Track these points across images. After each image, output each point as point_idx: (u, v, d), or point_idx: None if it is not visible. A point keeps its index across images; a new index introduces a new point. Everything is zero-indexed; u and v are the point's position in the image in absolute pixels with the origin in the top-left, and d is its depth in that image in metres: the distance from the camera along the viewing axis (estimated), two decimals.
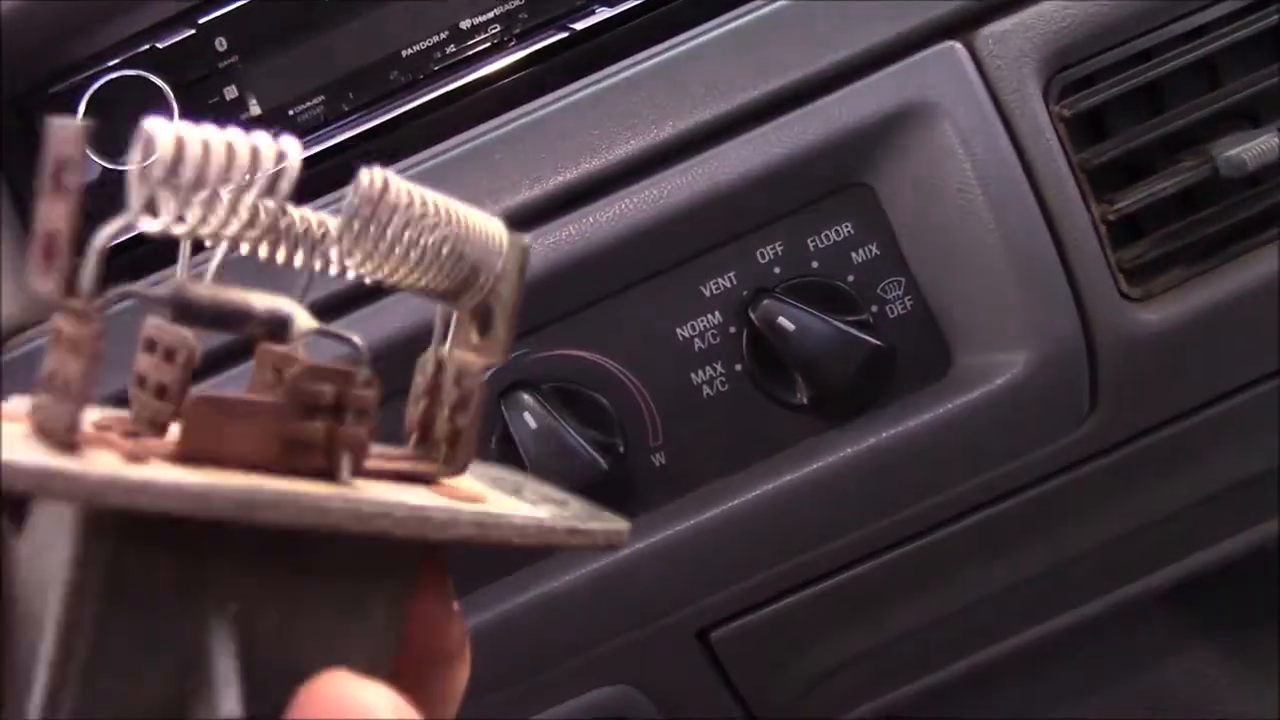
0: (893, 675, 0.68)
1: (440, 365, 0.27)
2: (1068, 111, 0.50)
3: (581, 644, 0.55)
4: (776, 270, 0.52)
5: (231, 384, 0.50)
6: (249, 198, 0.23)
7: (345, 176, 0.52)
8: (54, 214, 0.22)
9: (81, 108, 0.53)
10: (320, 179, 0.54)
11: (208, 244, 0.24)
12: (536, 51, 0.55)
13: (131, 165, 0.22)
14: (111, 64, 0.55)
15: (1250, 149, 0.49)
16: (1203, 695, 0.89)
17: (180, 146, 0.21)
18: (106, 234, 0.22)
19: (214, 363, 0.51)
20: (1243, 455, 0.61)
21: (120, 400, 0.25)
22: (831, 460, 0.52)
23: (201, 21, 0.55)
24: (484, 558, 0.53)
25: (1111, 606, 0.69)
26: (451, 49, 0.55)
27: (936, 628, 0.64)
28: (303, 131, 0.55)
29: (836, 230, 0.52)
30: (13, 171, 0.56)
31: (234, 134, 0.22)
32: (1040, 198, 0.50)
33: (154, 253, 0.55)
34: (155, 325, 0.25)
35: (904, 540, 0.58)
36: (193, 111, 0.54)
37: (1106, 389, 0.53)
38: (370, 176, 0.24)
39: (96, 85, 0.53)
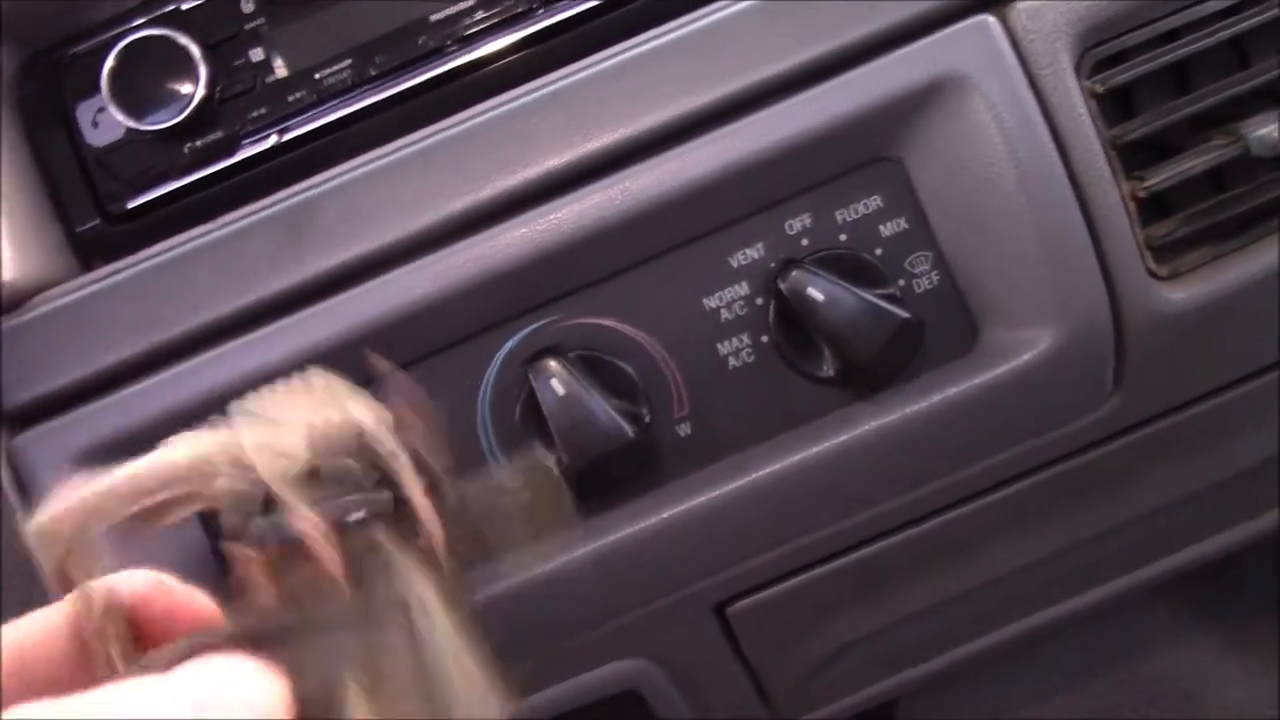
0: (901, 656, 0.68)
1: None
2: (1100, 87, 0.50)
3: (600, 616, 0.55)
4: (804, 242, 0.52)
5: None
6: None
7: (369, 142, 0.52)
8: None
9: (107, 66, 0.53)
10: (343, 144, 0.54)
11: None
12: (566, 18, 0.54)
13: None
14: (136, 23, 0.55)
15: None
16: (1199, 683, 0.90)
17: None
18: None
19: None
20: (1261, 440, 0.61)
21: None
22: (857, 433, 0.51)
23: None
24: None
25: (1119, 592, 0.69)
26: (480, 14, 0.55)
27: (946, 609, 0.64)
28: (329, 95, 0.54)
29: (865, 203, 0.52)
30: (34, 131, 0.55)
31: None
32: (1071, 173, 0.50)
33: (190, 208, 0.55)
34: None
35: (921, 518, 0.58)
36: (219, 72, 0.54)
37: (1131, 367, 0.53)
38: None
39: (121, 45, 0.53)
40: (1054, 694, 0.90)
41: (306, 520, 0.30)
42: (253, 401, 0.31)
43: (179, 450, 0.30)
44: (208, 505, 0.30)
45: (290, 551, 0.30)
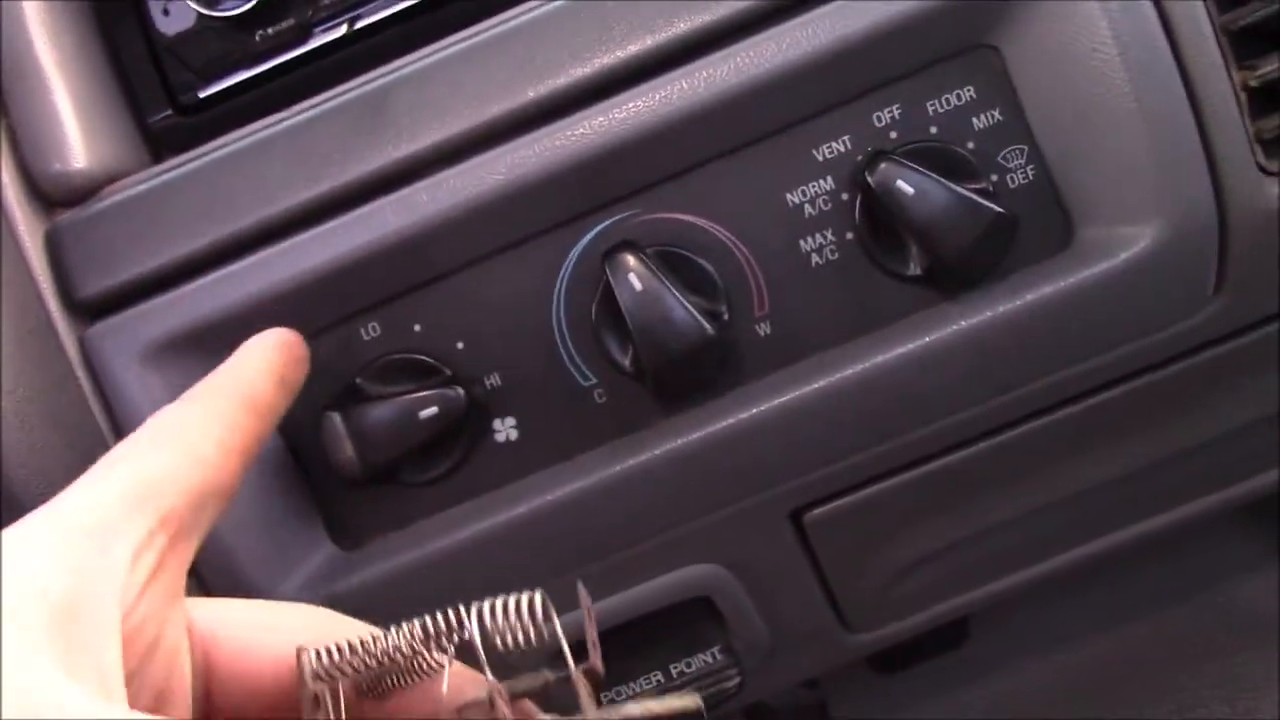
0: (977, 572, 0.66)
1: None
2: None
3: (675, 519, 0.54)
4: (893, 135, 0.50)
5: None
6: None
7: (442, 30, 0.50)
8: None
9: None
10: (416, 32, 0.53)
11: None
12: None
13: None
14: None
15: None
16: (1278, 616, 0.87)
17: None
18: None
19: None
20: None
21: None
22: (944, 334, 0.50)
23: None
24: (578, 429, 0.52)
25: (1202, 513, 0.67)
26: None
27: (1026, 524, 0.63)
28: None
29: (957, 94, 0.50)
30: (105, 19, 0.54)
31: None
32: (1179, 60, 0.47)
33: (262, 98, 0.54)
34: None
35: (1005, 426, 0.56)
36: None
37: (1234, 269, 0.50)
38: None
39: None
40: (1130, 620, 0.89)
41: None
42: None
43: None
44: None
45: None
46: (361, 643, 0.34)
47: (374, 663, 0.34)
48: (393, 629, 0.34)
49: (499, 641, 0.34)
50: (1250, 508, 0.68)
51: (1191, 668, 0.86)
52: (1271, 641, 0.86)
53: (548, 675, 0.35)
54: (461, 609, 0.34)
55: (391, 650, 0.34)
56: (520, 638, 0.34)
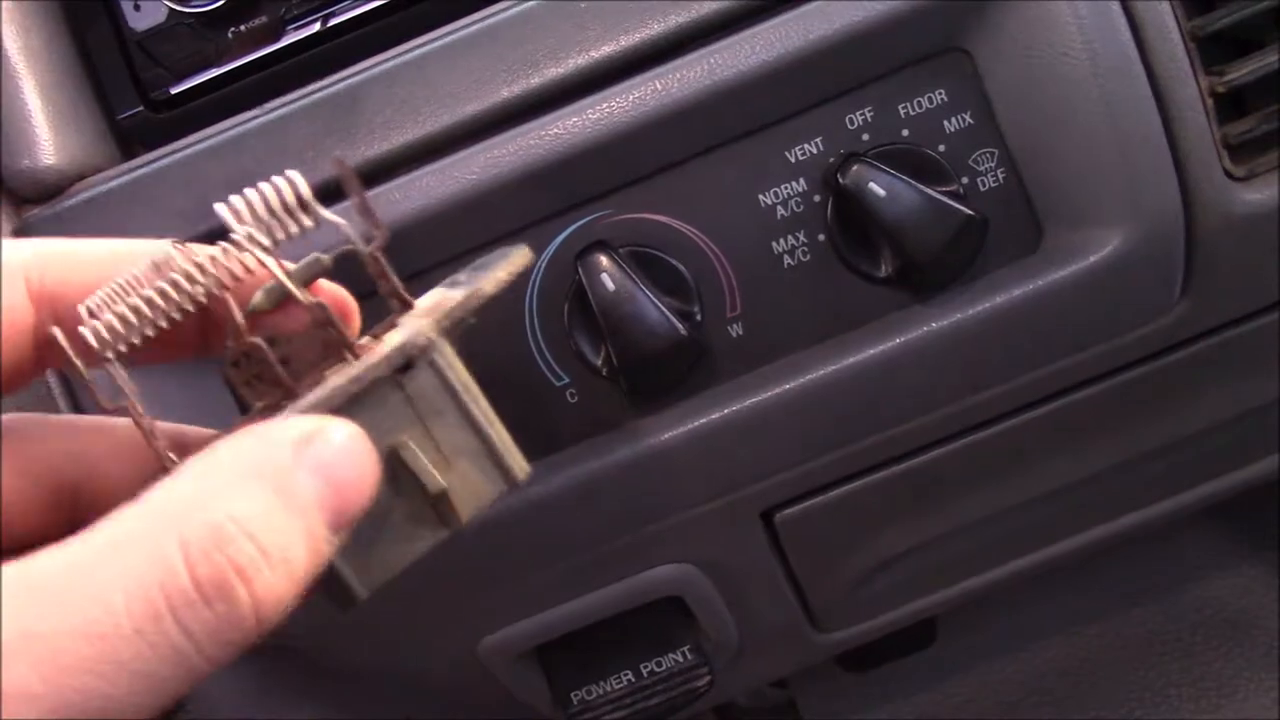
0: (945, 573, 0.67)
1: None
2: None
3: (646, 518, 0.54)
4: (865, 137, 0.50)
5: None
6: None
7: (416, 28, 0.50)
8: None
9: None
10: (389, 30, 0.52)
11: None
12: None
13: None
14: None
15: None
16: (1248, 611, 0.88)
17: None
18: None
19: None
20: None
21: None
22: (913, 336, 0.50)
23: None
24: (550, 429, 0.52)
25: (1168, 513, 0.68)
26: None
27: (993, 525, 0.63)
28: None
29: (929, 97, 0.50)
30: (74, 14, 0.54)
31: None
32: (1148, 66, 0.48)
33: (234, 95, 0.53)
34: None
35: (974, 427, 0.57)
36: None
37: (1201, 271, 0.51)
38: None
39: None
40: (1096, 619, 0.90)
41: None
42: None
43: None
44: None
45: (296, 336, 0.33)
46: (124, 296, 0.31)
47: (147, 310, 0.31)
48: (146, 263, 0.32)
49: (269, 238, 0.32)
50: (1216, 507, 0.69)
51: (1157, 666, 0.87)
52: (1237, 640, 0.87)
53: (324, 258, 0.34)
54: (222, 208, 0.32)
55: (158, 294, 0.31)
56: (289, 226, 0.33)
